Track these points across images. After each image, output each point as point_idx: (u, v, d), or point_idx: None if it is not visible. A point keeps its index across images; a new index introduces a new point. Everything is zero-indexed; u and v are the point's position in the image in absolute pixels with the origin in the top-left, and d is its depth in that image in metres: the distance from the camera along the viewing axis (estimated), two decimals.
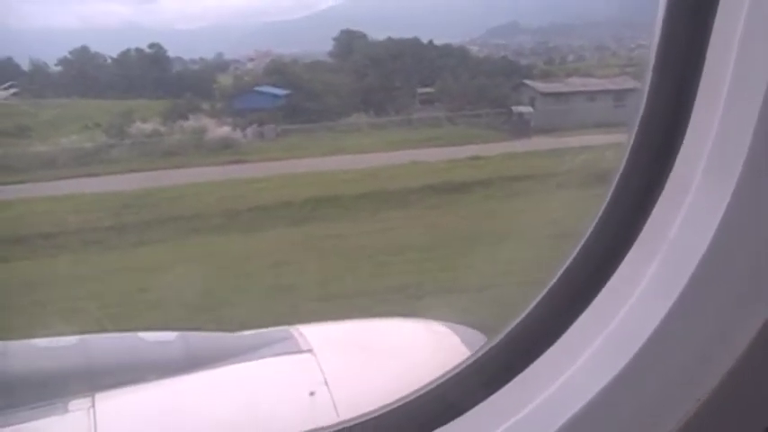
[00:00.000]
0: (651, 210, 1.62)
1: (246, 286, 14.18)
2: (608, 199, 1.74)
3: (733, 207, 1.42)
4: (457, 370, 1.86)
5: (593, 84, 29.90)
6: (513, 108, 28.77)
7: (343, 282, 14.16)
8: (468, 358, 1.87)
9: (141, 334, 2.46)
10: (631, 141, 1.67)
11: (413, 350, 2.64)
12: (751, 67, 1.41)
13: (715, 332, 1.48)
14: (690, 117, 1.56)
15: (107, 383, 2.30)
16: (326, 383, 2.36)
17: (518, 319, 1.80)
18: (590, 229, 1.75)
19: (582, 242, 1.76)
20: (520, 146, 25.42)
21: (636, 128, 1.66)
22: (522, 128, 27.62)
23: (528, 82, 30.12)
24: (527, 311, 1.80)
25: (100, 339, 2.44)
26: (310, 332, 2.61)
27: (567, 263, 1.76)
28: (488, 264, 15.27)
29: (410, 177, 22.02)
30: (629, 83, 28.99)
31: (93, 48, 37.56)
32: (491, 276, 14.32)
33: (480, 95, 29.68)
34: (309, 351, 2.48)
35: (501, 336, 1.81)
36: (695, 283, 1.46)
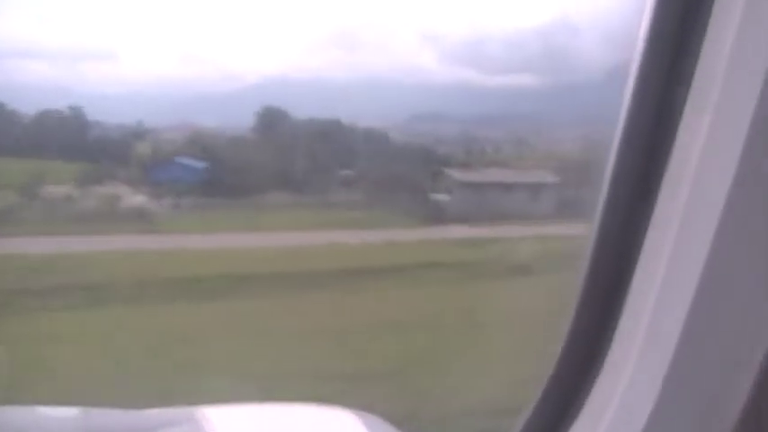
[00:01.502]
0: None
1: (150, 361, 13.89)
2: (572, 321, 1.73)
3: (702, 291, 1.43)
4: None
5: (511, 176, 30.41)
6: (431, 195, 29.05)
7: (251, 362, 13.97)
8: None
9: (40, 408, 2.34)
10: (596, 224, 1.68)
11: None
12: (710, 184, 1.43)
13: None
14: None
15: None
16: None
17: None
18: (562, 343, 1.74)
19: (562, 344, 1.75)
20: (436, 233, 25.64)
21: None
22: (438, 215, 27.87)
23: (446, 170, 30.50)
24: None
25: None
26: (214, 414, 2.52)
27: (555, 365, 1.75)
28: (400, 351, 15.25)
29: (326, 259, 22.00)
30: (546, 177, 29.59)
31: (11, 105, 37.00)
32: (402, 364, 14.29)
33: (399, 181, 29.92)
34: None
35: None
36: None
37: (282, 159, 33.69)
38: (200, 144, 34.47)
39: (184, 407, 2.66)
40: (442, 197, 29.00)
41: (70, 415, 2.35)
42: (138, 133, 40.17)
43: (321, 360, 14.13)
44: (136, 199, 29.77)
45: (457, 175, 29.98)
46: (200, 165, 32.61)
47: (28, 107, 36.26)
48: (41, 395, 11.17)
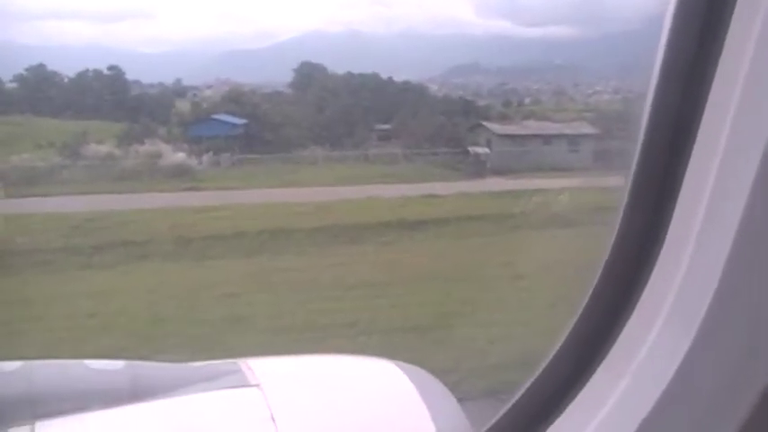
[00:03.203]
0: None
1: (196, 316, 14.03)
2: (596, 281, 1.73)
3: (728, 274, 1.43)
4: None
5: (549, 128, 30.21)
6: (470, 148, 28.95)
7: (293, 315, 14.06)
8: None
9: (87, 361, 2.40)
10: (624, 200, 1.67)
11: (361, 388, 2.61)
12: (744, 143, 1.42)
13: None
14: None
15: (49, 411, 2.24)
16: (273, 419, 2.31)
17: (527, 385, 1.78)
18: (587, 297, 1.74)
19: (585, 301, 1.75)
20: (475, 186, 25.56)
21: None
22: (477, 168, 27.79)
23: (485, 123, 30.36)
24: (534, 379, 1.79)
25: (43, 365, 2.38)
26: (258, 366, 2.57)
27: (574, 321, 1.75)
28: (440, 304, 15.28)
29: (365, 213, 22.00)
30: (584, 128, 29.33)
31: (51, 66, 37.28)
32: (442, 316, 14.33)
33: (437, 134, 29.84)
34: (257, 385, 2.43)
35: (512, 401, 1.80)
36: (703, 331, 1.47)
37: (320, 114, 33.72)
38: (238, 100, 34.58)
39: (228, 359, 2.72)
40: (480, 150, 28.91)
41: (116, 368, 2.41)
42: (177, 91, 40.43)
43: (362, 313, 14.19)
44: (176, 156, 29.97)
45: (495, 127, 29.84)
46: (238, 121, 32.76)
47: (68, 68, 36.62)
48: (86, 349, 11.39)
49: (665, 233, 1.56)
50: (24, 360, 2.34)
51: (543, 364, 1.72)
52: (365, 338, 12.62)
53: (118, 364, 2.45)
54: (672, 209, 1.54)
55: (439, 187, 24.95)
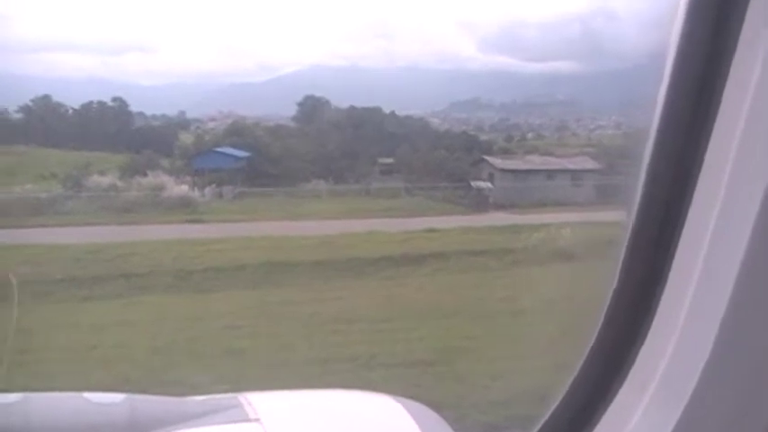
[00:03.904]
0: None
1: (196, 348, 14.00)
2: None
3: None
4: None
5: (552, 162, 30.27)
6: (472, 183, 28.99)
7: (295, 349, 14.02)
8: None
9: (86, 394, 2.38)
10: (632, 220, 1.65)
11: (362, 423, 2.58)
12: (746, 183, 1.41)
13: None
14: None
15: None
16: None
17: (547, 417, 1.76)
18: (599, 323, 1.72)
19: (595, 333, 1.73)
20: (477, 220, 25.58)
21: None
22: (480, 203, 27.82)
23: (487, 158, 30.42)
24: (551, 413, 1.77)
25: (42, 397, 2.35)
26: (259, 400, 2.53)
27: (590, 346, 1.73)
28: (442, 338, 15.24)
29: (367, 247, 21.99)
30: (587, 163, 29.39)
31: (56, 97, 37.45)
32: (444, 351, 14.29)
33: (439, 168, 29.91)
34: (257, 420, 2.40)
35: None
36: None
37: (323, 147, 33.80)
38: (241, 133, 34.68)
39: (229, 393, 2.69)
40: (483, 184, 28.95)
41: (115, 401, 2.39)
42: (180, 124, 40.58)
43: (362, 347, 14.14)
44: (179, 188, 30.02)
45: (498, 161, 29.91)
46: (241, 153, 32.82)
47: (73, 99, 36.79)
48: (85, 381, 11.32)
49: (671, 262, 1.55)
50: (23, 392, 2.31)
51: (556, 401, 1.70)
52: (366, 373, 12.57)
53: (117, 397, 2.42)
54: (678, 235, 1.53)
55: (441, 221, 24.97)
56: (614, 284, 1.67)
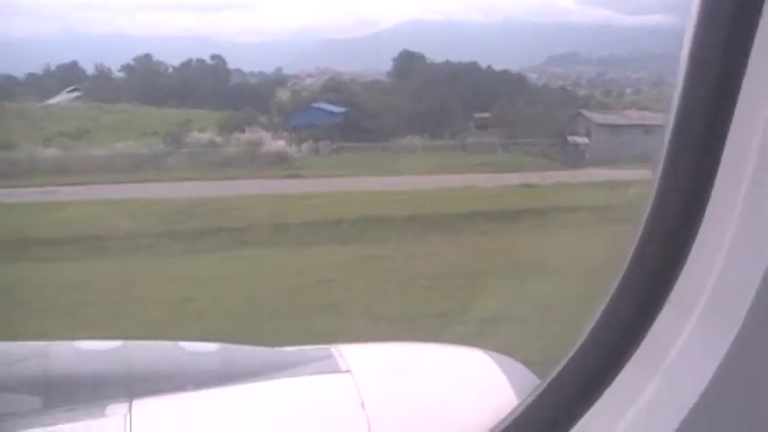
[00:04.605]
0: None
1: (291, 301, 14.15)
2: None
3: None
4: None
5: (650, 117, 29.65)
6: (569, 138, 28.63)
7: (387, 303, 14.07)
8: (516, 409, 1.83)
9: (182, 343, 2.46)
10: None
11: (453, 377, 2.60)
12: None
13: None
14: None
15: (145, 390, 2.31)
16: (363, 406, 2.33)
17: (549, 380, 1.75)
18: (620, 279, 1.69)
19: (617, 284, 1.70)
20: (573, 176, 25.24)
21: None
22: (576, 158, 27.48)
23: (584, 112, 29.97)
24: (556, 374, 1.75)
25: (140, 346, 2.45)
26: (350, 352, 2.58)
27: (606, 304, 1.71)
28: (535, 295, 15.15)
29: (461, 202, 21.89)
30: None
31: (157, 56, 38.19)
32: (535, 308, 14.21)
33: (536, 123, 29.58)
34: (348, 372, 2.45)
35: (532, 397, 1.77)
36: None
37: (419, 103, 33.70)
38: (338, 89, 34.82)
39: (320, 345, 2.74)
40: (579, 139, 28.55)
41: (209, 350, 2.47)
42: (278, 80, 40.96)
43: (455, 302, 14.11)
44: (276, 144, 30.36)
45: (595, 116, 29.43)
46: (337, 109, 32.99)
47: (173, 58, 37.47)
48: (181, 332, 11.58)
49: (701, 219, 1.51)
50: (122, 340, 2.41)
51: (564, 360, 1.68)
52: (457, 327, 12.60)
53: (211, 346, 2.50)
54: (708, 195, 1.50)
55: (536, 177, 24.69)
56: (639, 233, 1.65)
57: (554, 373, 1.70)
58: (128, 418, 2.29)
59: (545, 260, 17.41)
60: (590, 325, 1.66)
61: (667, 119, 1.53)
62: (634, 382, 1.57)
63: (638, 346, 1.60)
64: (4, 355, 2.37)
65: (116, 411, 2.30)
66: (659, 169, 1.55)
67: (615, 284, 1.63)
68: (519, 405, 1.78)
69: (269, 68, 39.42)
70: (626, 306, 1.64)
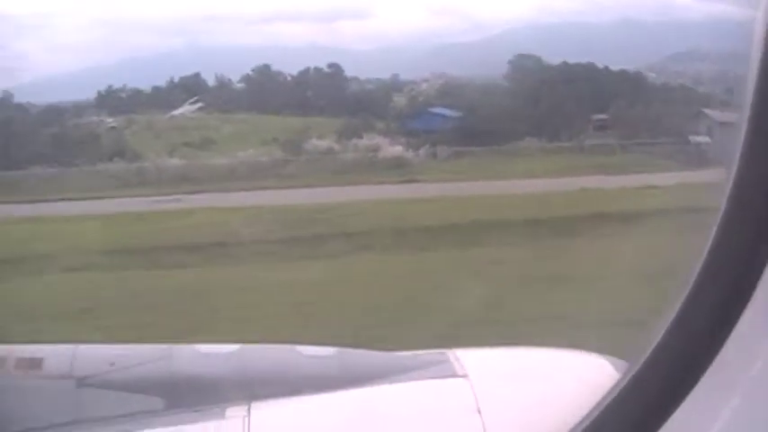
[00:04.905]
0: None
1: (409, 306, 14.21)
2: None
3: None
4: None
5: None
6: (690, 137, 27.90)
7: (504, 307, 14.00)
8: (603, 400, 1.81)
9: (299, 347, 2.53)
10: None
11: (570, 382, 2.59)
12: None
13: None
14: None
15: (263, 393, 2.38)
16: (479, 411, 2.35)
17: (623, 384, 1.72)
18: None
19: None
20: (696, 177, 24.59)
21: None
22: (698, 158, 26.76)
23: (706, 111, 29.15)
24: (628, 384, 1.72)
25: (259, 349, 2.53)
26: (466, 356, 2.61)
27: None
28: (659, 299, 14.77)
29: (580, 205, 21.59)
30: None
31: (275, 66, 38.86)
32: (659, 313, 13.88)
33: (656, 124, 28.94)
34: (464, 376, 2.47)
35: (609, 397, 1.74)
36: None
37: (535, 105, 33.38)
38: (454, 93, 34.75)
39: (437, 349, 2.76)
40: (701, 139, 27.79)
41: (327, 354, 2.53)
42: (394, 86, 41.09)
43: (574, 306, 13.91)
44: (393, 149, 30.55)
45: (717, 115, 28.58)
46: (453, 113, 32.93)
47: (290, 67, 38.12)
48: (299, 335, 11.72)
49: None
50: (241, 344, 2.48)
51: (645, 358, 1.63)
52: (576, 332, 12.43)
53: (329, 350, 2.55)
54: None
55: (658, 178, 24.16)
56: (711, 241, 1.60)
57: (635, 371, 1.68)
58: (246, 420, 2.36)
59: (670, 264, 16.99)
60: (671, 320, 1.63)
61: (741, 120, 1.49)
62: (709, 400, 1.53)
63: (711, 360, 1.56)
64: (129, 357, 2.47)
65: (236, 414, 2.37)
66: (734, 170, 1.52)
67: (691, 288, 1.60)
68: (602, 401, 1.75)
69: (385, 75, 39.53)
70: (706, 308, 1.61)
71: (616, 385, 1.79)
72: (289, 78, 39.89)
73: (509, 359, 2.82)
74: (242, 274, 16.76)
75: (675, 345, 1.66)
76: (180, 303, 14.20)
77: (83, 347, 2.46)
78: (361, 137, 31.05)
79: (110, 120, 44.41)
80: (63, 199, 29.56)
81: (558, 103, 31.65)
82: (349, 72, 38.15)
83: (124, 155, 34.42)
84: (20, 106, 44.97)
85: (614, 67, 33.62)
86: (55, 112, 44.37)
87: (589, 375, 2.60)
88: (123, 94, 48.19)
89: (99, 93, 48.84)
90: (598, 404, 1.84)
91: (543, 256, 17.71)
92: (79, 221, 24.73)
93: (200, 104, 44.43)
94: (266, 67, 38.77)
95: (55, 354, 2.40)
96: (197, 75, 45.13)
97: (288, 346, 2.52)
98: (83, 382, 2.37)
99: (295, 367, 2.45)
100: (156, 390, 2.34)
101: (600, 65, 33.83)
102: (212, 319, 12.61)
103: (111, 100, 46.85)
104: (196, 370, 2.37)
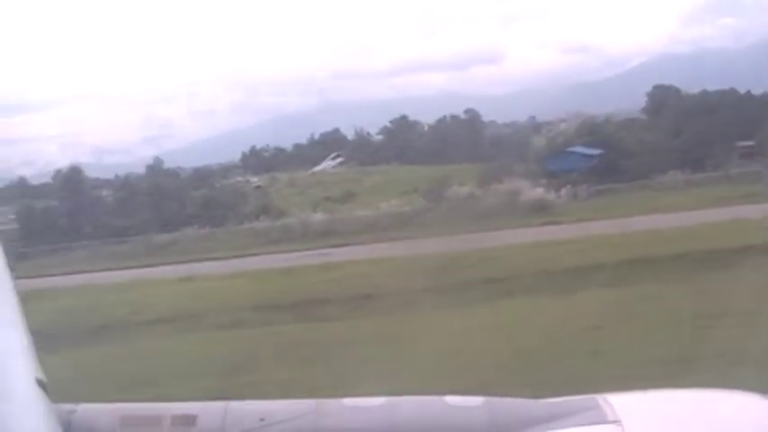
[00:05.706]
0: None
1: (557, 350, 13.97)
2: None
3: None
4: None
5: None
6: None
7: (658, 347, 13.58)
8: None
9: (446, 397, 2.54)
10: None
11: (730, 424, 2.51)
12: None
13: None
14: None
15: None
16: None
17: None
18: None
19: None
20: None
21: None
22: None
23: None
24: None
25: (405, 401, 2.54)
26: (618, 401, 2.55)
27: None
28: None
29: (730, 236, 20.86)
30: None
31: (412, 116, 39.48)
32: None
33: None
34: (617, 422, 2.42)
35: None
36: None
37: (676, 136, 32.72)
38: (592, 131, 34.47)
39: (587, 395, 2.72)
40: None
41: (474, 404, 2.52)
42: (531, 128, 41.19)
43: (733, 343, 13.33)
44: (534, 192, 30.45)
45: None
46: (593, 152, 32.65)
47: (426, 116, 38.70)
48: (448, 384, 11.62)
49: None
50: (388, 396, 2.51)
51: None
52: (736, 371, 11.95)
53: (476, 400, 2.55)
54: None
55: None
56: None
57: None
58: None
59: None
60: None
61: None
62: None
63: None
64: (278, 412, 2.53)
65: None
66: None
67: None
68: None
69: (521, 117, 39.76)
70: None
71: None
72: (426, 128, 40.49)
73: (663, 402, 2.74)
74: (388, 324, 16.85)
75: None
76: (328, 356, 14.36)
77: (234, 403, 2.55)
78: (501, 181, 31.11)
79: (254, 179, 46.11)
80: (213, 258, 30.63)
81: (700, 133, 30.99)
82: (485, 117, 38.43)
83: (269, 212, 35.56)
84: (169, 171, 47.14)
85: (757, 92, 32.72)
86: (202, 175, 46.26)
87: (751, 418, 2.50)
88: (266, 154, 49.97)
89: (243, 153, 50.92)
90: None
91: (695, 291, 17.11)
92: (229, 279, 25.51)
93: (340, 159, 45.63)
94: (403, 117, 39.51)
95: (208, 411, 2.49)
96: (336, 130, 46.39)
97: (435, 397, 2.53)
98: None
99: (443, 418, 2.46)
100: None
101: (741, 90, 32.98)
102: (359, 370, 12.68)
103: (255, 159, 48.68)
104: (343, 424, 2.41)
